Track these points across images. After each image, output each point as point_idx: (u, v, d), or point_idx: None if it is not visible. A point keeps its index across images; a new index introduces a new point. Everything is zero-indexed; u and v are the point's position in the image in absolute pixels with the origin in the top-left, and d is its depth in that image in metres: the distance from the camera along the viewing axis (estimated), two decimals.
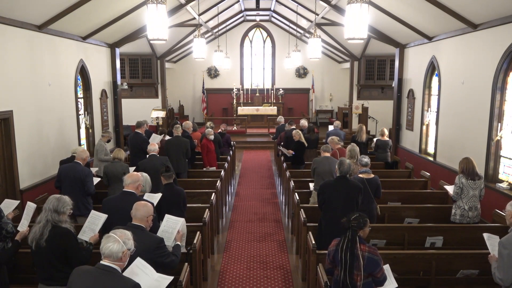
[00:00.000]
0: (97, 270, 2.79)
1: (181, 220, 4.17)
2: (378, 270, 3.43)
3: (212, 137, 8.93)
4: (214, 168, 9.01)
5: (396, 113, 11.91)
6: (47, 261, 3.55)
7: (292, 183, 7.39)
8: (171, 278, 3.30)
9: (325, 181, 5.40)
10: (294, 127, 10.07)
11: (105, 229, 3.89)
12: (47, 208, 3.61)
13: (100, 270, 2.78)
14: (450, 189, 6.02)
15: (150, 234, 3.60)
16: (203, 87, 19.56)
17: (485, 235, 4.04)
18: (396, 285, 3.65)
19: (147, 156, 6.78)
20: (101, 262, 2.81)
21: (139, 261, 3.18)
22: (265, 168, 12.58)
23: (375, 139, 9.89)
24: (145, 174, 4.86)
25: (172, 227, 4.07)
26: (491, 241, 3.93)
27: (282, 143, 9.82)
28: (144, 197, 4.63)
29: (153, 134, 9.03)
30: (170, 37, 8.73)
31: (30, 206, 4.59)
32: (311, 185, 7.00)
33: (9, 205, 4.78)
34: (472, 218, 5.59)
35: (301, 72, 20.34)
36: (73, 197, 3.85)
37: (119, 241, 2.81)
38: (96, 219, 4.14)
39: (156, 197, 5.13)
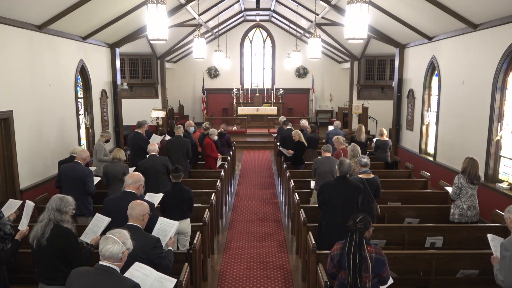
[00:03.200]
0: (96, 270, 2.79)
1: (176, 224, 4.14)
2: (384, 269, 3.43)
3: (216, 137, 9.01)
4: (220, 161, 9.17)
5: (396, 113, 11.91)
6: (47, 261, 3.55)
7: (292, 183, 7.39)
8: (175, 280, 3.26)
9: (325, 181, 5.40)
10: (289, 127, 10.11)
11: (106, 229, 3.89)
12: (50, 207, 3.61)
13: (99, 271, 2.78)
14: (450, 189, 6.02)
15: (147, 234, 3.60)
16: (203, 87, 19.56)
17: (489, 236, 4.01)
18: (392, 281, 3.69)
19: (147, 156, 6.78)
20: (100, 262, 2.81)
21: (136, 264, 3.16)
22: (265, 168, 12.58)
23: (374, 139, 9.90)
24: None
25: (166, 230, 4.03)
26: (495, 243, 3.89)
27: (279, 143, 9.85)
28: (146, 197, 4.63)
29: (154, 135, 9.05)
30: (170, 37, 8.73)
31: (29, 205, 4.60)
32: (312, 183, 6.98)
33: (13, 206, 4.79)
34: (471, 217, 5.60)
35: (301, 72, 20.33)
36: (74, 196, 3.86)
37: (118, 242, 2.81)
38: (100, 222, 4.12)
39: (157, 197, 5.15)
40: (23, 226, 4.26)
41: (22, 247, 4.12)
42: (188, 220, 5.36)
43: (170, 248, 3.93)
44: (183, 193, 5.29)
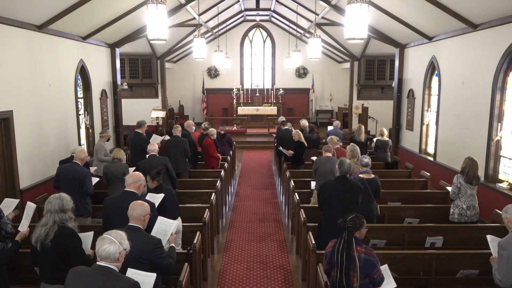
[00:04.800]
0: (94, 270, 2.79)
1: (175, 223, 4.14)
2: (374, 271, 3.42)
3: (215, 136, 9.06)
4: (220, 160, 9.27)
5: (396, 113, 11.91)
6: (50, 261, 3.56)
7: (292, 183, 7.39)
8: (154, 275, 3.21)
9: (325, 180, 5.40)
10: (287, 127, 10.15)
11: (105, 229, 3.87)
12: (53, 209, 3.60)
13: (97, 271, 2.78)
14: (450, 189, 6.03)
15: (147, 235, 3.60)
16: (203, 87, 19.56)
17: (489, 237, 4.01)
18: (395, 285, 3.64)
19: (147, 156, 6.78)
20: (98, 263, 2.80)
21: None
22: (265, 168, 12.58)
23: (374, 139, 9.90)
24: None
25: (166, 230, 4.02)
26: (494, 243, 3.88)
27: (276, 144, 9.90)
28: (147, 197, 4.63)
29: (154, 135, 9.05)
30: (170, 37, 8.73)
31: (30, 206, 4.57)
32: (313, 183, 6.98)
33: (9, 204, 4.74)
34: (470, 217, 5.60)
35: (301, 72, 20.33)
36: (72, 197, 3.83)
37: (115, 242, 2.81)
38: (85, 238, 3.89)
39: (158, 198, 5.13)
40: (23, 227, 4.23)
41: (22, 247, 4.11)
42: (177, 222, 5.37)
43: (173, 245, 3.94)
44: (173, 192, 5.29)
